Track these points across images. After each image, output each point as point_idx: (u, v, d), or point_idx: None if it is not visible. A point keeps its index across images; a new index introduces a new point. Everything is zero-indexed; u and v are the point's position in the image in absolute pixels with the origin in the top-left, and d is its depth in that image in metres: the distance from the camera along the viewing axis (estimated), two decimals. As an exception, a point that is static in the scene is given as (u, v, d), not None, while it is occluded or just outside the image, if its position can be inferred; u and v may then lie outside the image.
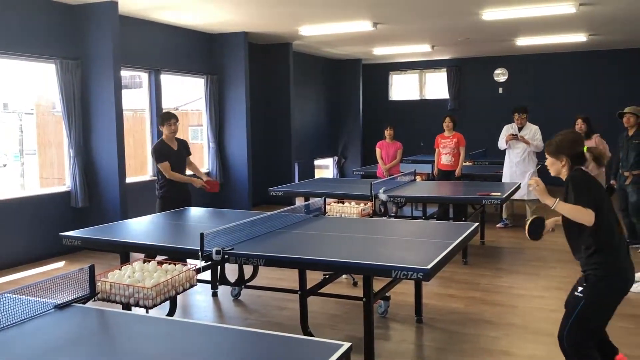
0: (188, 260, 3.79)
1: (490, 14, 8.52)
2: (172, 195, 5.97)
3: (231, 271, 5.45)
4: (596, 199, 3.14)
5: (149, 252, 4.23)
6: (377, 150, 8.95)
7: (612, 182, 7.36)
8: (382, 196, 6.11)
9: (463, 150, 8.59)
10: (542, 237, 3.50)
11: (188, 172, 6.34)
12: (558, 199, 3.22)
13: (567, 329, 3.21)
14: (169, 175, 5.92)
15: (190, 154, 6.33)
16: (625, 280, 3.21)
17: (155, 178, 6.24)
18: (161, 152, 5.97)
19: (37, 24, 7.14)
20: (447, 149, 8.53)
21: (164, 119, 6.04)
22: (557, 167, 3.34)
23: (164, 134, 6.06)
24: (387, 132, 8.89)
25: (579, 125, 7.85)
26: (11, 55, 6.94)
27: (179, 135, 6.17)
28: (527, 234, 3.50)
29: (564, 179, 3.34)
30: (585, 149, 3.32)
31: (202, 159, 10.56)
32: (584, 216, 3.08)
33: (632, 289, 5.49)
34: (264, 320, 4.91)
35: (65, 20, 7.46)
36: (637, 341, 4.42)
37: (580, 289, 3.18)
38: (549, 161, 3.38)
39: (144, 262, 3.51)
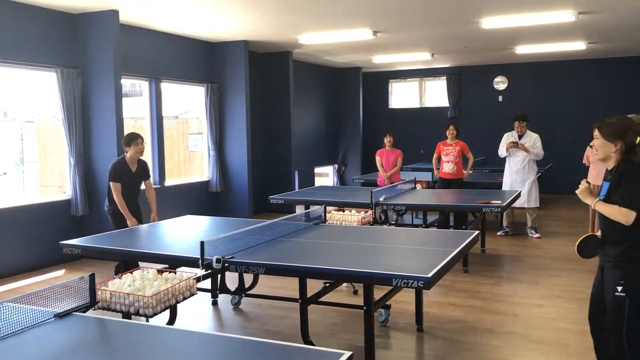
0: (186, 269, 3.78)
1: (489, 23, 8.56)
2: (117, 212, 5.91)
3: (231, 280, 5.45)
4: None
5: (149, 260, 4.22)
6: (377, 158, 8.96)
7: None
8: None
9: (471, 155, 8.62)
10: (595, 254, 3.38)
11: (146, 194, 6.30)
12: (597, 199, 3.20)
13: (625, 333, 3.09)
14: (115, 197, 5.89)
15: (148, 177, 6.27)
16: None
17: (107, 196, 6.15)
18: (116, 171, 5.93)
19: (38, 33, 7.16)
20: (449, 157, 8.53)
21: (131, 139, 5.99)
22: (607, 151, 3.20)
23: (129, 154, 6.00)
24: (387, 140, 8.90)
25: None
26: (12, 63, 6.96)
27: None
28: (577, 253, 3.43)
29: (608, 166, 3.23)
30: (638, 140, 3.15)
31: (203, 167, 10.57)
32: (623, 216, 3.04)
33: None
34: (264, 329, 4.90)
35: (66, 29, 7.49)
36: (639, 349, 4.39)
37: (620, 288, 3.09)
38: (600, 142, 3.24)
39: (128, 272, 3.50)
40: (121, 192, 5.91)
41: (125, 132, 7.87)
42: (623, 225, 3.08)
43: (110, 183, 5.93)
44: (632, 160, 3.13)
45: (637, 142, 3.15)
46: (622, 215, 3.05)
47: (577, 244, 3.40)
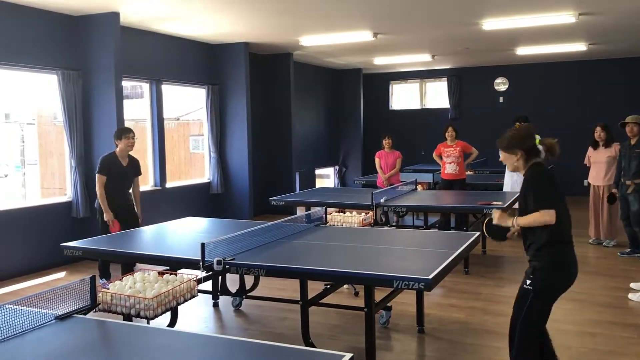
0: (187, 270, 3.78)
1: (490, 24, 8.56)
2: (112, 207, 5.92)
3: (232, 281, 5.45)
4: (555, 195, 3.26)
5: (150, 262, 4.23)
6: (376, 160, 8.96)
7: (613, 190, 7.35)
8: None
9: (475, 150, 8.62)
10: (506, 239, 3.57)
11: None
12: (515, 217, 3.36)
13: (521, 321, 3.29)
14: (97, 189, 5.91)
15: (139, 174, 6.27)
16: (569, 273, 3.30)
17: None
18: (103, 164, 5.95)
19: (39, 35, 7.17)
20: (451, 158, 8.52)
21: (122, 132, 6.02)
22: (511, 162, 3.42)
23: (119, 147, 6.02)
24: (385, 142, 8.90)
25: (598, 132, 7.73)
26: (13, 66, 6.97)
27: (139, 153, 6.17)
28: (486, 234, 3.62)
29: (522, 173, 3.42)
30: (537, 141, 3.39)
31: (204, 169, 10.57)
32: (546, 218, 3.18)
33: (634, 298, 5.49)
34: (265, 331, 4.90)
35: (67, 31, 7.50)
36: (639, 351, 4.39)
37: (528, 281, 3.28)
38: (503, 156, 3.47)
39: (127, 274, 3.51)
40: (110, 187, 5.92)
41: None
42: (540, 228, 3.24)
43: (96, 174, 5.95)
44: (540, 163, 3.38)
45: (537, 142, 3.39)
46: (544, 217, 3.19)
47: (484, 224, 3.60)
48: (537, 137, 3.45)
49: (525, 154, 3.36)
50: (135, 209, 6.22)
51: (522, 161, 3.37)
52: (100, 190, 5.90)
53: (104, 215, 5.89)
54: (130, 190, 6.25)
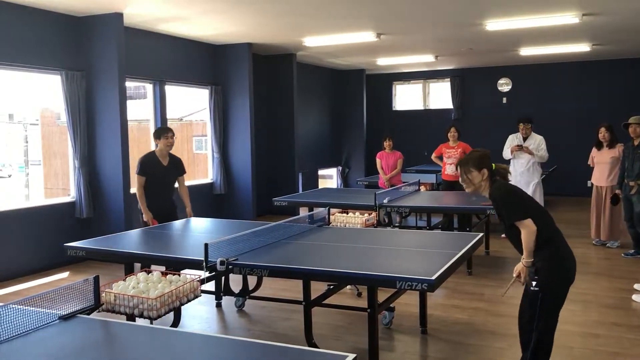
0: (190, 271, 3.79)
1: (493, 25, 8.55)
2: (153, 208, 5.87)
3: (235, 282, 5.45)
4: (525, 205, 3.41)
5: (153, 262, 4.23)
6: (377, 161, 8.96)
7: (617, 191, 7.34)
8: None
9: None
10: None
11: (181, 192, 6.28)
12: (522, 260, 3.38)
13: (537, 324, 3.34)
14: (136, 190, 5.85)
15: (182, 173, 6.17)
16: (570, 264, 3.42)
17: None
18: (142, 165, 5.86)
19: (43, 36, 7.19)
20: (451, 159, 8.52)
21: (161, 132, 5.94)
22: (478, 180, 3.49)
23: (158, 147, 5.96)
24: (386, 143, 8.90)
25: (602, 133, 7.71)
26: (17, 66, 6.99)
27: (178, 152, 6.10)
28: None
29: (484, 193, 3.53)
30: (493, 166, 3.53)
31: (207, 169, 10.58)
32: (527, 230, 3.32)
33: (638, 299, 5.47)
34: (268, 331, 4.90)
35: (70, 31, 7.51)
36: (644, 352, 4.38)
37: (534, 283, 3.32)
38: (472, 175, 3.50)
39: (147, 272, 3.51)
40: (151, 187, 5.83)
41: (130, 135, 7.92)
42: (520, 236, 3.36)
43: (136, 176, 5.87)
44: (497, 180, 3.51)
45: (493, 167, 3.52)
46: (527, 231, 3.31)
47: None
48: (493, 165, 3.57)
49: (490, 173, 3.49)
50: (186, 207, 6.18)
51: (488, 180, 3.49)
52: (139, 191, 5.82)
53: (143, 215, 5.84)
54: (178, 189, 6.20)
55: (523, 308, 3.45)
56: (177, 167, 6.11)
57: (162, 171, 5.95)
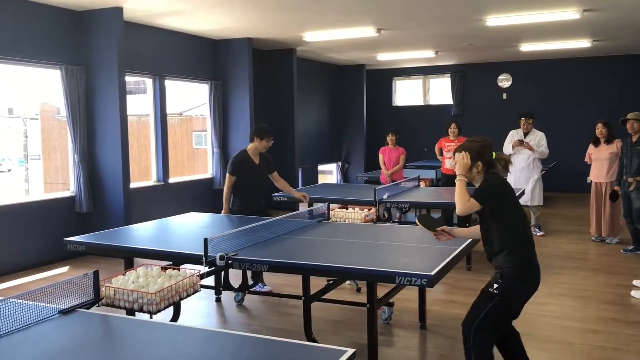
0: (190, 266, 3.79)
1: (494, 20, 8.53)
2: (242, 209, 5.75)
3: (235, 277, 5.45)
4: (501, 201, 3.30)
5: (153, 257, 4.23)
6: (380, 156, 8.96)
7: (615, 188, 7.34)
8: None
9: None
10: (436, 230, 3.58)
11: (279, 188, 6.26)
12: (464, 176, 3.38)
13: (477, 323, 3.25)
14: (225, 187, 5.76)
15: (273, 170, 6.05)
16: (536, 275, 3.31)
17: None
18: (236, 164, 5.71)
19: (43, 30, 7.18)
20: (451, 153, 8.52)
21: (266, 134, 5.75)
22: (472, 173, 3.39)
23: (254, 145, 5.76)
24: (389, 138, 8.89)
25: (600, 129, 7.72)
26: (16, 60, 6.98)
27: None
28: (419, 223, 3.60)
29: (475, 183, 3.44)
30: (494, 155, 3.43)
31: (207, 164, 10.58)
32: (464, 203, 3.29)
33: (637, 295, 5.49)
34: (268, 326, 4.91)
35: (70, 26, 7.50)
36: (642, 348, 4.39)
37: (496, 285, 3.24)
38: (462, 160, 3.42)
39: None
40: (244, 186, 5.72)
41: (130, 130, 7.91)
42: (497, 237, 3.28)
43: (227, 174, 5.77)
44: (496, 174, 3.41)
45: (494, 157, 3.42)
46: (465, 201, 3.28)
47: (418, 218, 3.61)
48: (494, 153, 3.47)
49: (485, 165, 3.38)
50: (295, 194, 6.25)
51: (483, 173, 3.39)
52: (226, 190, 5.72)
53: (222, 211, 5.79)
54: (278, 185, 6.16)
55: (475, 308, 3.35)
56: (267, 165, 5.97)
57: (254, 169, 5.80)
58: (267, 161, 5.97)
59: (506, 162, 3.48)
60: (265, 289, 5.65)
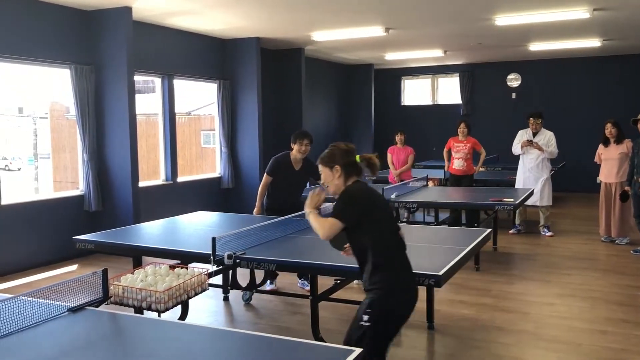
0: (198, 264, 3.80)
1: (503, 20, 8.50)
2: (274, 207, 5.73)
3: (242, 276, 5.47)
4: (363, 213, 2.97)
5: (161, 256, 4.25)
6: (388, 156, 8.95)
7: (626, 188, 7.29)
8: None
9: (483, 150, 8.60)
10: (344, 248, 3.22)
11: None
12: (314, 209, 3.13)
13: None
14: (261, 185, 5.75)
15: (318, 178, 5.95)
16: (409, 299, 2.99)
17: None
18: (272, 165, 5.68)
19: (52, 30, 7.22)
20: (460, 154, 8.50)
21: (296, 137, 5.68)
22: (331, 179, 3.13)
23: (293, 150, 5.71)
24: (398, 137, 8.88)
25: (609, 129, 7.66)
26: (26, 60, 7.02)
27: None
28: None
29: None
30: (358, 158, 3.13)
31: (215, 164, 10.60)
32: (323, 227, 2.98)
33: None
34: (275, 325, 4.92)
35: (79, 26, 7.54)
36: (652, 349, 4.36)
37: (365, 317, 2.86)
38: (325, 175, 3.17)
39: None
40: (277, 186, 5.69)
41: (138, 129, 7.94)
42: (365, 252, 2.96)
43: (265, 173, 5.75)
44: (359, 181, 3.11)
45: (357, 159, 3.12)
46: (325, 226, 2.97)
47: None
48: (357, 157, 3.17)
49: (344, 170, 3.08)
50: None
51: (342, 178, 3.08)
52: (261, 187, 5.72)
53: (255, 209, 5.77)
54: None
55: (349, 338, 2.93)
56: (310, 172, 5.81)
57: (292, 175, 5.73)
58: (310, 167, 5.72)
59: (368, 160, 3.16)
60: (271, 287, 5.66)
